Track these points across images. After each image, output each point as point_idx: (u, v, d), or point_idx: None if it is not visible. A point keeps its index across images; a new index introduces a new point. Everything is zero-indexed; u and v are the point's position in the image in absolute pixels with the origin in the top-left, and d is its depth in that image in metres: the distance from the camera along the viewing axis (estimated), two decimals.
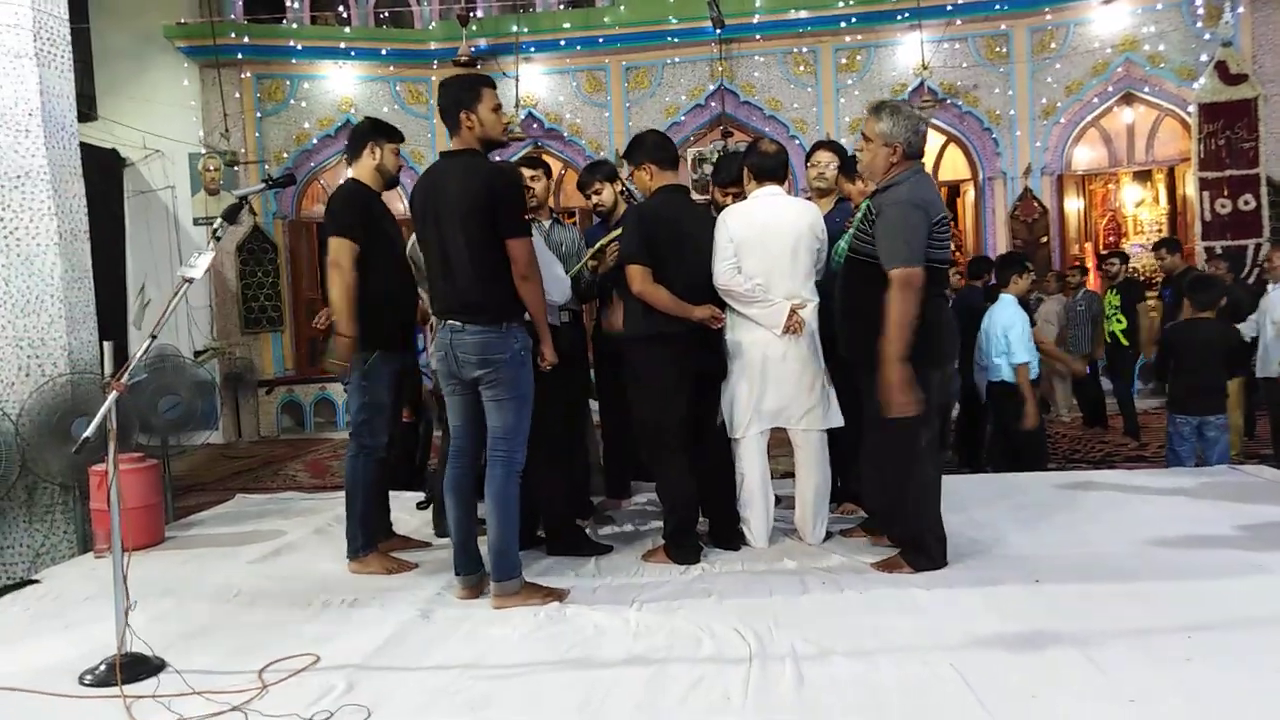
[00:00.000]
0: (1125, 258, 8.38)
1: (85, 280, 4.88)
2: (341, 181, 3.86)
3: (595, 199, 4.34)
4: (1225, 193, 8.88)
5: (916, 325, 3.20)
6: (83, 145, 5.07)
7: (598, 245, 4.12)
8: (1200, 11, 9.30)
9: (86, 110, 9.07)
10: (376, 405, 3.66)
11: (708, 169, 9.79)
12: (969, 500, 4.23)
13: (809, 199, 4.22)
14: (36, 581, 3.81)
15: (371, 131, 3.80)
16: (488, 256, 3.10)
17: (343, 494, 3.78)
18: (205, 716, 2.41)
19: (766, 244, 3.60)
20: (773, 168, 3.75)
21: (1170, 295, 6.59)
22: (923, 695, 2.36)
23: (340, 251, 3.55)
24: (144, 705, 2.48)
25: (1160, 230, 10.76)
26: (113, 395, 2.69)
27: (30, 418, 4.43)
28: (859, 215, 3.47)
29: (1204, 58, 9.20)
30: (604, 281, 4.14)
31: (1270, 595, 2.95)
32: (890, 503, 3.56)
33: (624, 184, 4.40)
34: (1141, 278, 9.73)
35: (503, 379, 3.14)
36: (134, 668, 2.65)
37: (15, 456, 4.47)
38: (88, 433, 2.63)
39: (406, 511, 4.60)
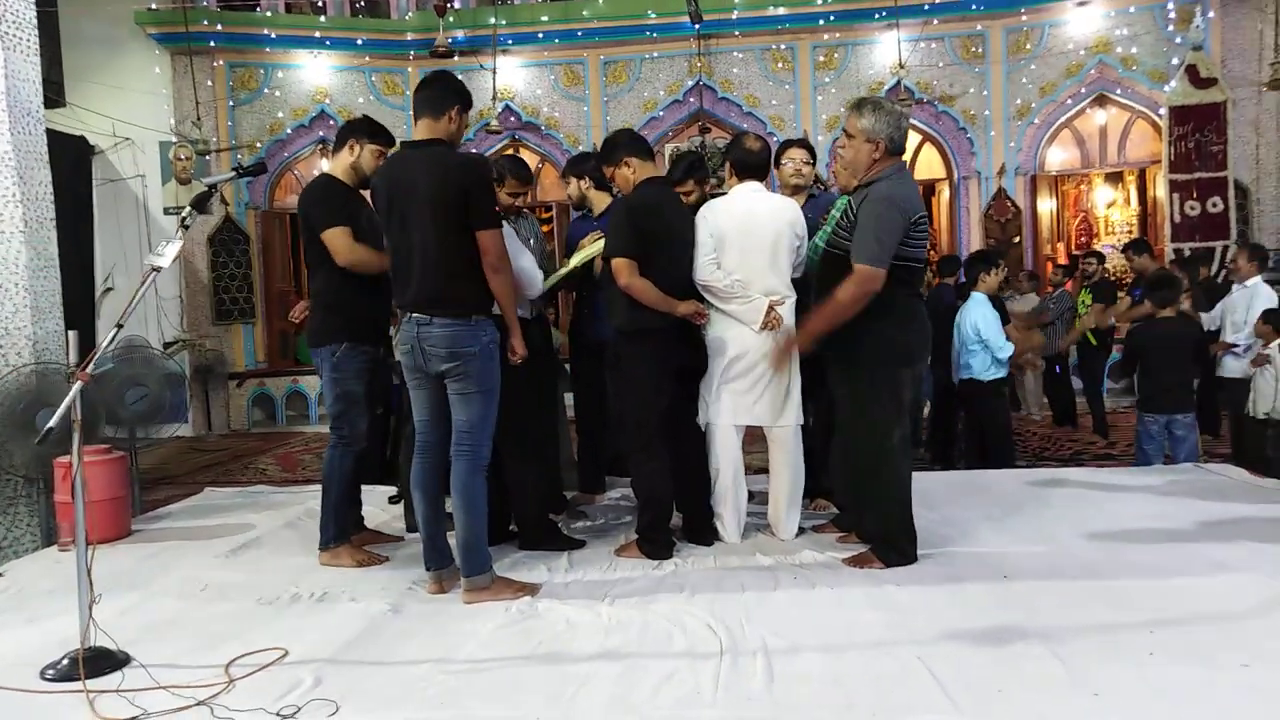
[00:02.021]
0: (1102, 258, 8.48)
1: (51, 269, 4.80)
2: (315, 175, 3.82)
3: (566, 189, 4.43)
4: (1194, 195, 9.00)
5: (888, 324, 3.23)
6: (50, 132, 4.98)
7: (576, 261, 4.11)
8: (1172, 15, 9.42)
9: (54, 96, 8.92)
10: (350, 396, 3.65)
11: None
12: (940, 497, 4.27)
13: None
14: None
15: (358, 129, 3.78)
16: (458, 249, 3.07)
17: (313, 488, 3.77)
18: (170, 711, 2.38)
19: (746, 240, 3.61)
20: (756, 164, 3.76)
21: (1140, 294, 6.68)
22: (891, 689, 2.38)
23: (341, 241, 3.56)
24: (107, 699, 2.45)
25: (1131, 231, 10.91)
26: (77, 385, 2.65)
27: None
28: (836, 211, 3.48)
29: (1175, 61, 9.32)
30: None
31: (1233, 592, 2.99)
32: (861, 499, 3.58)
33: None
34: (1113, 278, 9.85)
35: (470, 372, 3.11)
36: (97, 662, 2.62)
37: None
38: (51, 423, 2.59)
39: (378, 506, 4.57)
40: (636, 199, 3.66)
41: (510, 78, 10.52)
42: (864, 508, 3.59)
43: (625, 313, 3.61)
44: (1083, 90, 9.92)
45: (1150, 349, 5.10)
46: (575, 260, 4.12)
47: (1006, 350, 5.27)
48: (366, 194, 3.88)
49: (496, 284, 3.10)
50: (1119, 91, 9.87)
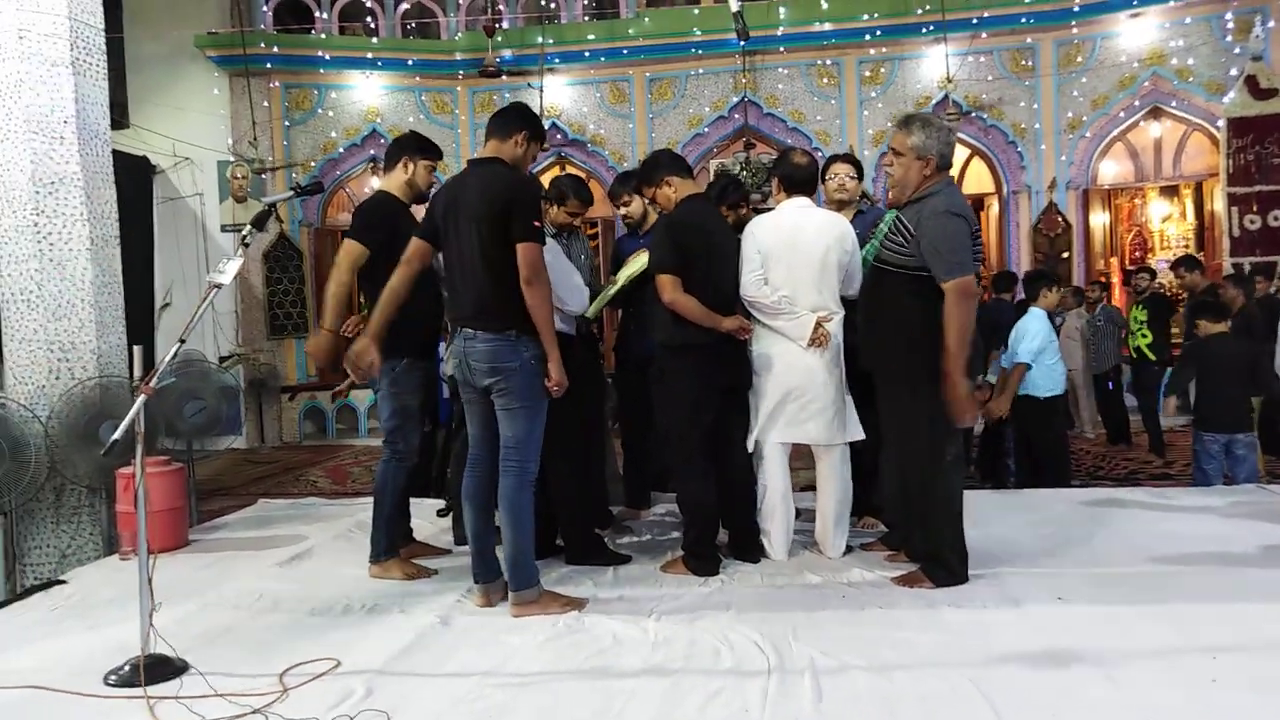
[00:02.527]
0: (1154, 273, 8.30)
1: (115, 285, 4.95)
2: (370, 192, 3.89)
3: (624, 209, 4.41)
4: (1254, 208, 8.78)
5: (939, 340, 3.20)
6: (114, 152, 5.15)
7: (624, 278, 4.11)
8: (1230, 25, 9.22)
9: (119, 118, 9.23)
10: (406, 411, 3.70)
11: None
12: (992, 516, 4.20)
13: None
14: (63, 582, 3.86)
15: (409, 146, 3.85)
16: (502, 265, 3.09)
17: (363, 500, 3.82)
18: (226, 719, 2.43)
19: (794, 256, 3.60)
20: (804, 179, 3.76)
21: (1188, 314, 6.54)
22: (942, 710, 2.34)
23: (345, 252, 3.66)
24: (167, 706, 2.51)
25: (1187, 246, 10.66)
26: (141, 398, 2.73)
27: (59, 420, 4.50)
28: (884, 225, 3.46)
29: (1233, 72, 9.12)
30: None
31: None
32: (911, 517, 3.54)
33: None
34: (1168, 293, 9.63)
35: (512, 388, 3.13)
36: (157, 669, 2.69)
37: (44, 458, 4.53)
38: (116, 435, 2.67)
39: (426, 519, 4.62)
40: (679, 215, 3.68)
41: (557, 95, 10.65)
42: (914, 526, 3.54)
43: (669, 328, 3.62)
44: (1136, 103, 9.75)
45: (1206, 367, 4.98)
46: (623, 277, 4.13)
47: (1023, 357, 5.15)
48: (417, 209, 3.95)
49: (530, 297, 3.09)
50: (1174, 104, 9.68)
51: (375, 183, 10.18)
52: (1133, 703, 2.34)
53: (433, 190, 3.92)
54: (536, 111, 10.07)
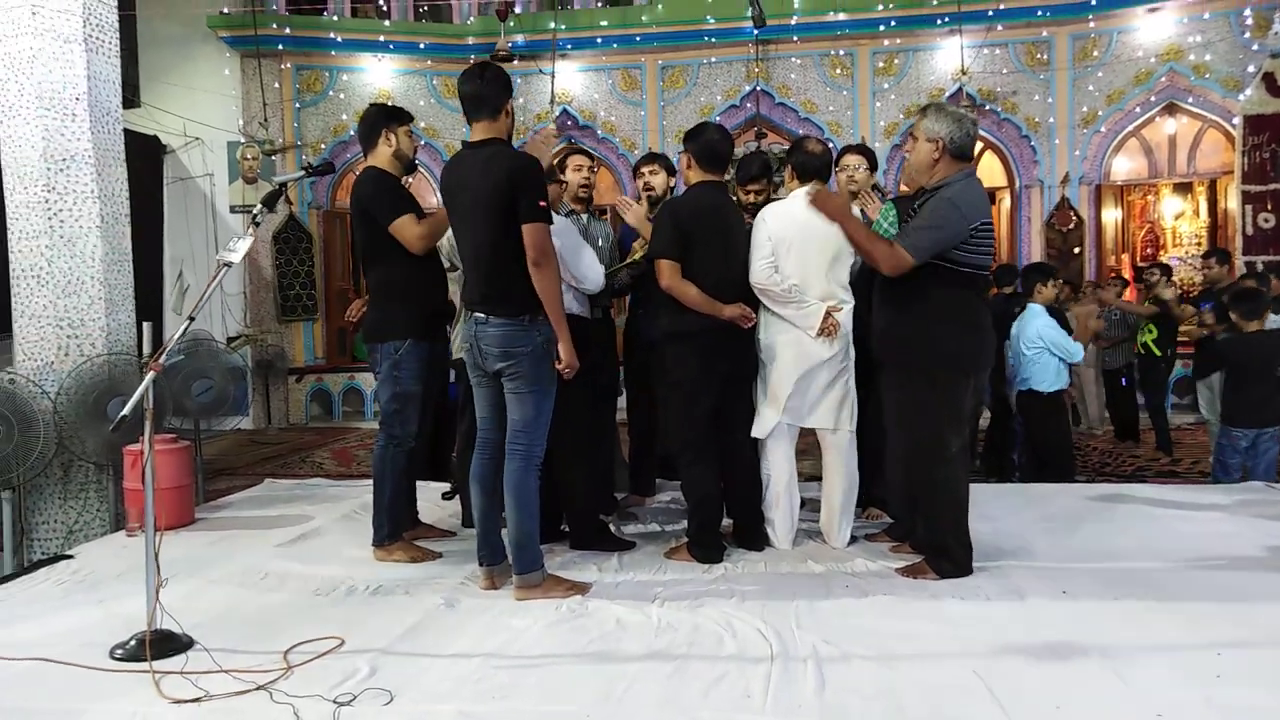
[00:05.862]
0: (1167, 269, 8.25)
1: (125, 263, 4.96)
2: (363, 170, 3.71)
3: (649, 179, 4.29)
4: (1269, 206, 8.71)
5: (953, 330, 3.19)
6: (125, 131, 5.16)
7: (637, 255, 4.07)
8: (1249, 22, 9.13)
9: (130, 97, 9.23)
10: (407, 395, 3.65)
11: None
12: (997, 509, 4.19)
13: None
14: (70, 557, 3.88)
15: (383, 119, 3.73)
16: (511, 248, 3.07)
17: (369, 482, 3.81)
18: (231, 694, 2.45)
19: (805, 245, 3.58)
20: (818, 167, 3.74)
21: (1211, 307, 6.47)
22: (945, 702, 2.34)
23: (408, 228, 3.54)
24: (172, 681, 2.52)
25: (1200, 243, 10.59)
26: (150, 375, 2.73)
27: (68, 396, 4.52)
28: (883, 218, 3.47)
29: (1251, 69, 9.03)
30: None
31: None
32: (916, 509, 3.53)
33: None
34: (1180, 290, 9.56)
35: (523, 372, 3.13)
36: (163, 644, 2.70)
37: (52, 434, 4.55)
38: (125, 411, 2.68)
39: (431, 502, 4.63)
40: (684, 200, 3.67)
41: (568, 82, 10.61)
42: (918, 517, 3.54)
43: (669, 315, 3.61)
44: (1152, 98, 9.67)
45: (1240, 362, 4.95)
46: (640, 254, 4.07)
47: (1078, 353, 5.20)
48: (425, 186, 3.92)
49: (538, 279, 3.06)
50: (1190, 100, 9.59)
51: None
52: (1138, 696, 2.33)
53: (416, 154, 3.86)
54: (546, 96, 10.13)
